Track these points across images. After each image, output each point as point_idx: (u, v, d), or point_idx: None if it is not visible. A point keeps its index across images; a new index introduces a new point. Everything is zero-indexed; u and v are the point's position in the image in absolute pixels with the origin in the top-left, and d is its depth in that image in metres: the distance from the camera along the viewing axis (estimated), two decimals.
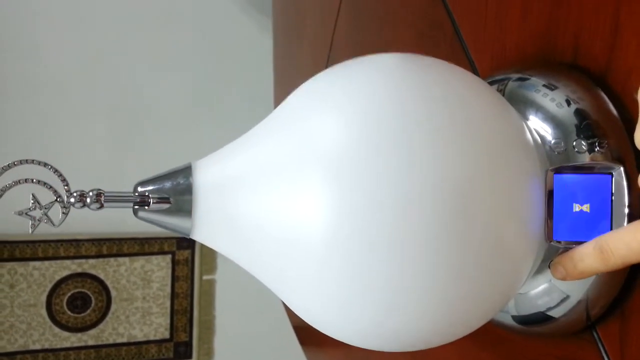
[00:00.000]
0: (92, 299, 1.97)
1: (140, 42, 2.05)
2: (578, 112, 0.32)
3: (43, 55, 1.96)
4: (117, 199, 0.30)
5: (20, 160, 0.29)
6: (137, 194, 0.30)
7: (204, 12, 2.11)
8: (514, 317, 0.37)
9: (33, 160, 0.29)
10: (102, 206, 0.30)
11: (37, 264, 1.91)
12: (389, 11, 0.63)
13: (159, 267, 2.02)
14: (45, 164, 0.29)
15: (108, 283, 1.98)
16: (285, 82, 1.25)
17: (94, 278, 1.97)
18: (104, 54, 2.02)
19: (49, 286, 1.92)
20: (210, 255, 2.06)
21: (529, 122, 0.33)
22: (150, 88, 2.05)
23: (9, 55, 1.92)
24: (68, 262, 1.94)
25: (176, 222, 0.30)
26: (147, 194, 0.30)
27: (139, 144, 2.02)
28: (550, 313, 0.34)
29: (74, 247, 1.94)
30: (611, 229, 0.30)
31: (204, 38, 2.11)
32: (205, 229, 0.30)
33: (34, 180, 0.29)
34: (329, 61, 0.84)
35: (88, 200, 0.29)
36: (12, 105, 1.92)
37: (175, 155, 1.90)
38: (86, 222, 1.82)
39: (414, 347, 0.31)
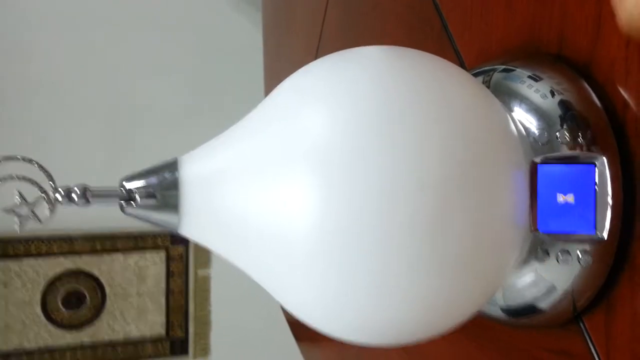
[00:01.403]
0: (87, 296, 1.97)
1: (131, 41, 2.05)
2: (562, 103, 0.32)
3: (37, 57, 1.95)
4: (104, 194, 0.30)
5: (5, 157, 0.29)
6: (123, 189, 0.30)
7: (195, 10, 2.10)
8: (502, 309, 0.37)
9: (17, 157, 0.29)
10: (88, 202, 0.30)
11: (30, 261, 1.91)
12: (377, 4, 0.63)
13: (153, 263, 2.02)
14: (30, 160, 0.29)
15: (102, 280, 1.98)
16: (276, 76, 1.25)
17: (88, 275, 1.97)
18: (96, 55, 2.01)
19: (43, 284, 1.92)
20: (204, 250, 2.06)
21: (513, 113, 0.33)
22: (142, 87, 2.05)
23: (4, 56, 1.91)
24: (62, 259, 1.94)
25: (163, 218, 0.30)
26: (133, 189, 0.30)
27: (133, 143, 2.02)
28: (537, 304, 0.34)
29: (67, 243, 1.94)
30: (595, 218, 0.30)
31: (195, 35, 2.10)
32: (193, 224, 0.30)
33: (19, 177, 0.29)
34: (318, 54, 0.84)
35: (74, 196, 0.29)
36: (8, 106, 1.91)
37: (170, 153, 1.89)
38: (79, 219, 1.81)
39: (402, 341, 0.31)
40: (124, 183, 0.30)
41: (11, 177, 0.29)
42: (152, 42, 2.06)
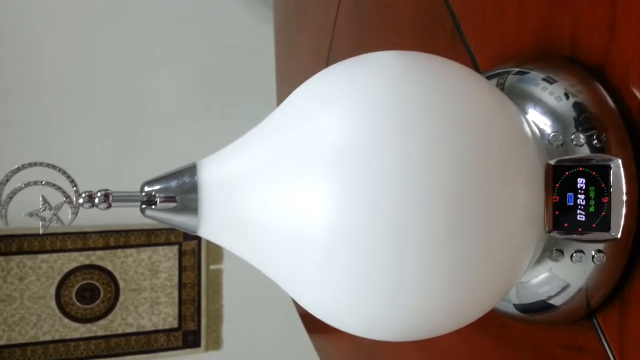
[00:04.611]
0: (101, 290, 1.99)
1: (141, 39, 2.05)
2: (576, 105, 0.32)
3: (45, 54, 1.96)
4: (125, 198, 0.31)
5: (30, 163, 0.30)
6: (144, 193, 0.31)
7: (204, 7, 2.10)
8: (515, 306, 0.38)
9: (42, 163, 0.30)
10: (110, 206, 0.30)
11: (45, 256, 1.93)
12: (389, 3, 0.63)
13: (166, 258, 2.04)
14: (54, 167, 0.30)
15: (116, 274, 2.00)
16: (287, 75, 1.25)
17: (102, 269, 1.99)
18: (106, 52, 2.02)
19: (58, 278, 1.95)
20: (216, 245, 2.07)
21: (528, 116, 0.34)
22: (152, 85, 2.06)
23: (12, 55, 1.93)
24: (76, 254, 1.96)
25: (183, 220, 0.31)
26: (153, 193, 0.31)
27: (142, 140, 2.03)
28: (551, 301, 0.35)
29: (81, 239, 1.96)
30: (610, 219, 0.30)
31: (206, 33, 2.11)
32: (211, 226, 0.31)
33: (44, 182, 0.30)
34: (330, 52, 0.84)
35: (96, 200, 0.30)
36: (16, 104, 1.93)
37: (179, 151, 1.91)
38: (93, 215, 1.83)
39: (417, 336, 0.31)
40: (145, 187, 0.31)
41: (36, 183, 0.30)
42: (162, 38, 2.07)
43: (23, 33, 1.94)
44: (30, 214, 0.30)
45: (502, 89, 0.35)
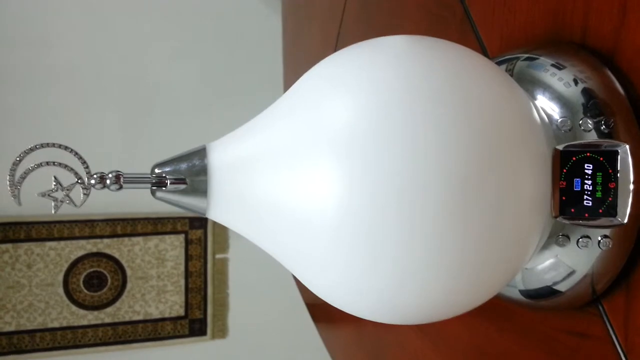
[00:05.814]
0: (108, 277, 2.00)
1: (150, 29, 2.05)
2: (585, 91, 0.32)
3: (55, 44, 1.97)
4: (136, 180, 0.31)
5: (42, 144, 0.30)
6: (154, 175, 0.31)
7: None
8: (521, 292, 0.38)
9: (54, 144, 0.30)
10: (121, 187, 0.31)
11: (53, 244, 1.95)
12: None
13: (173, 247, 2.05)
14: (66, 147, 0.30)
15: (123, 262, 2.02)
16: (295, 63, 1.25)
17: (109, 257, 2.01)
18: (114, 41, 2.02)
19: (66, 266, 1.96)
20: (222, 234, 2.08)
21: (537, 101, 0.34)
22: (161, 75, 2.06)
23: (21, 45, 1.94)
24: (83, 242, 1.98)
25: (192, 202, 0.31)
26: (164, 175, 0.31)
27: (150, 131, 2.04)
28: (556, 287, 0.35)
29: (88, 227, 1.97)
30: (617, 205, 0.30)
31: (215, 22, 2.10)
32: (220, 208, 0.31)
33: (56, 163, 0.30)
34: (338, 40, 0.84)
35: (108, 181, 0.31)
36: (25, 95, 1.94)
37: (187, 140, 1.91)
38: (100, 203, 1.84)
39: (423, 319, 0.32)
40: (155, 169, 0.31)
41: (48, 164, 0.30)
42: (170, 28, 2.07)
43: (32, 24, 1.95)
44: (43, 194, 0.31)
45: (511, 75, 0.35)
